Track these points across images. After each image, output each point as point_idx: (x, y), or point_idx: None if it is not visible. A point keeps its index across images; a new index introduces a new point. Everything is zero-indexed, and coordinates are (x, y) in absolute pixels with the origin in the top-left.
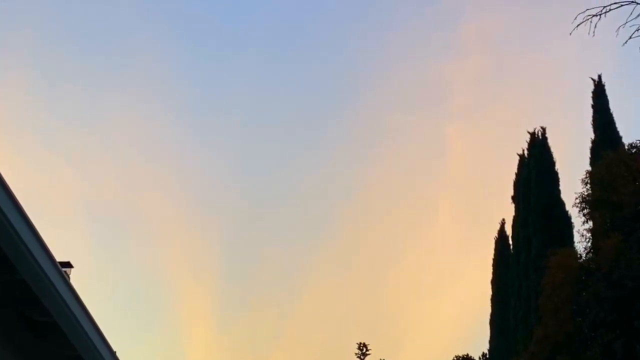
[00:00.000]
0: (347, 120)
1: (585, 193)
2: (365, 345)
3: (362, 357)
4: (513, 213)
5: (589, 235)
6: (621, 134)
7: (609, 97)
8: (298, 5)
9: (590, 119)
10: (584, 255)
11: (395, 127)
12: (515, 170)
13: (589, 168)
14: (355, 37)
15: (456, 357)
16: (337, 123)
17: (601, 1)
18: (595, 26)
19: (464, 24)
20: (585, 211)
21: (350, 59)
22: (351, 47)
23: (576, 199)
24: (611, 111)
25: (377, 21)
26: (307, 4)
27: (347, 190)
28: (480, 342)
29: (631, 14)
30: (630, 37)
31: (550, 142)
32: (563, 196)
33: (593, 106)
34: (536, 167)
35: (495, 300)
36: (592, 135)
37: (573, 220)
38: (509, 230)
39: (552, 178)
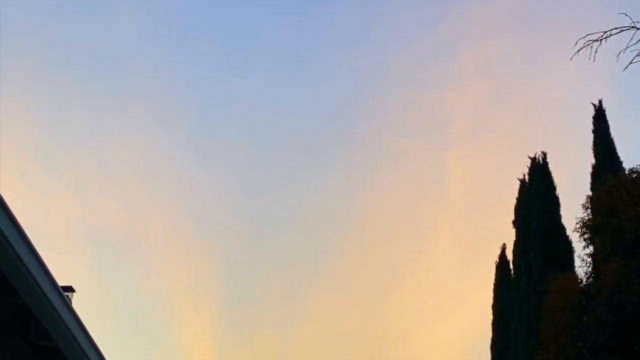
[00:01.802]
0: (348, 145)
1: (586, 218)
2: None
3: None
4: (514, 238)
5: (589, 260)
6: (622, 158)
7: (610, 122)
8: (299, 31)
9: (591, 143)
10: (584, 279)
11: (395, 153)
12: (516, 195)
13: (590, 193)
14: (356, 63)
15: None
16: (337, 148)
17: (601, 26)
18: (596, 51)
19: (463, 50)
20: (586, 236)
21: (351, 85)
22: (351, 72)
23: (577, 223)
24: (612, 136)
25: (377, 48)
26: (308, 30)
27: (348, 215)
28: None
29: (632, 39)
30: (630, 62)
31: (551, 167)
32: (564, 221)
33: (594, 131)
34: (537, 192)
35: (496, 324)
36: (593, 160)
37: (574, 245)
38: (509, 255)
39: (553, 203)
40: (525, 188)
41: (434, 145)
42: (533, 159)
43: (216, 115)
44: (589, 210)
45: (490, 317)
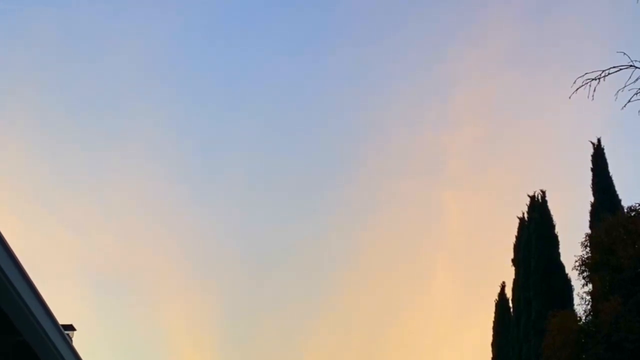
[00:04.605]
0: (346, 185)
1: (585, 256)
2: None
3: None
4: (513, 276)
5: (588, 297)
6: (620, 197)
7: (609, 161)
8: (298, 71)
9: (590, 182)
10: (583, 317)
11: (393, 193)
12: (514, 233)
13: (589, 231)
14: (354, 104)
15: None
16: (336, 188)
17: (600, 65)
18: (595, 90)
19: (460, 89)
20: (585, 274)
21: (348, 125)
22: (349, 113)
23: (576, 261)
24: (610, 174)
25: (374, 89)
26: (306, 71)
27: (346, 254)
28: None
29: (630, 77)
30: (629, 101)
31: (550, 205)
32: (563, 259)
33: (592, 169)
34: (536, 230)
35: None
36: (592, 199)
37: (573, 283)
38: (509, 293)
39: (552, 241)
40: (524, 226)
41: (432, 186)
42: (532, 198)
43: (216, 154)
44: (588, 249)
45: (490, 355)
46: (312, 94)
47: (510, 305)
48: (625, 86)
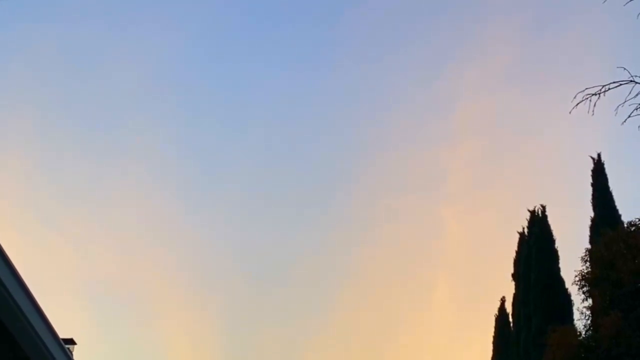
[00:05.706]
0: (346, 202)
1: (585, 271)
2: None
3: None
4: (513, 290)
5: (588, 312)
6: (620, 212)
7: (608, 176)
8: (299, 87)
9: (590, 197)
10: (583, 332)
11: (393, 208)
12: (514, 248)
13: (589, 246)
14: (353, 120)
15: None
16: (336, 204)
17: (600, 80)
18: (595, 105)
19: (460, 105)
20: (585, 289)
21: (348, 141)
22: (349, 128)
23: (576, 276)
24: (610, 189)
25: (373, 105)
26: (307, 87)
27: (346, 269)
28: None
29: (630, 92)
30: (629, 116)
31: (550, 220)
32: (563, 274)
33: (592, 184)
34: (536, 245)
35: None
36: (592, 213)
37: (573, 297)
38: (509, 307)
39: (552, 256)
40: (524, 241)
41: (431, 201)
42: (532, 212)
43: (216, 168)
44: (588, 263)
45: None
46: (313, 109)
47: (510, 320)
48: (625, 101)
